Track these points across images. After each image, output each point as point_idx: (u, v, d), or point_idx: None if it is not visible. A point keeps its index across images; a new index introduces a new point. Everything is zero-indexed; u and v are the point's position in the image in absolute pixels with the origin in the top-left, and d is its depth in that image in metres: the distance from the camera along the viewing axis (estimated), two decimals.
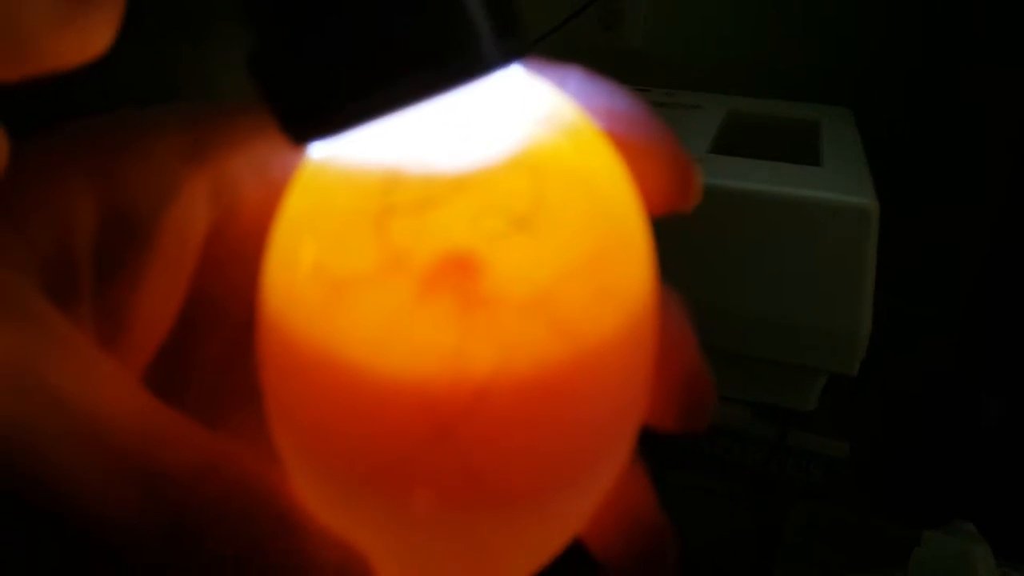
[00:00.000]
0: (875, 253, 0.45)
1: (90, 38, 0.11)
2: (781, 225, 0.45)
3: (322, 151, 0.12)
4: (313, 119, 0.11)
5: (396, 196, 0.11)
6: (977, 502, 0.49)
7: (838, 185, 0.46)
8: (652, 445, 0.15)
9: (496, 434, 0.11)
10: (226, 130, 0.13)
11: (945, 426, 0.52)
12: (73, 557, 0.12)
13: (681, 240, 0.44)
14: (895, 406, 0.52)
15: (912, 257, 0.55)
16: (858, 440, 0.50)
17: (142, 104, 0.14)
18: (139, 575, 0.11)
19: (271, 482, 0.12)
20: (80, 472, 0.11)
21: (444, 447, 0.11)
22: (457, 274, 0.11)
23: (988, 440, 0.51)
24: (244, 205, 0.14)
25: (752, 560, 0.46)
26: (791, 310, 0.46)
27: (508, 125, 0.11)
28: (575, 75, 0.14)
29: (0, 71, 0.10)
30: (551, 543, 0.13)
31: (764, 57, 0.62)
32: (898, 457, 0.52)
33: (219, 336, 0.15)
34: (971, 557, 0.45)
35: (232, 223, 0.14)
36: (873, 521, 0.48)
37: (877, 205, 0.44)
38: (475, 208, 0.11)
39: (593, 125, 0.13)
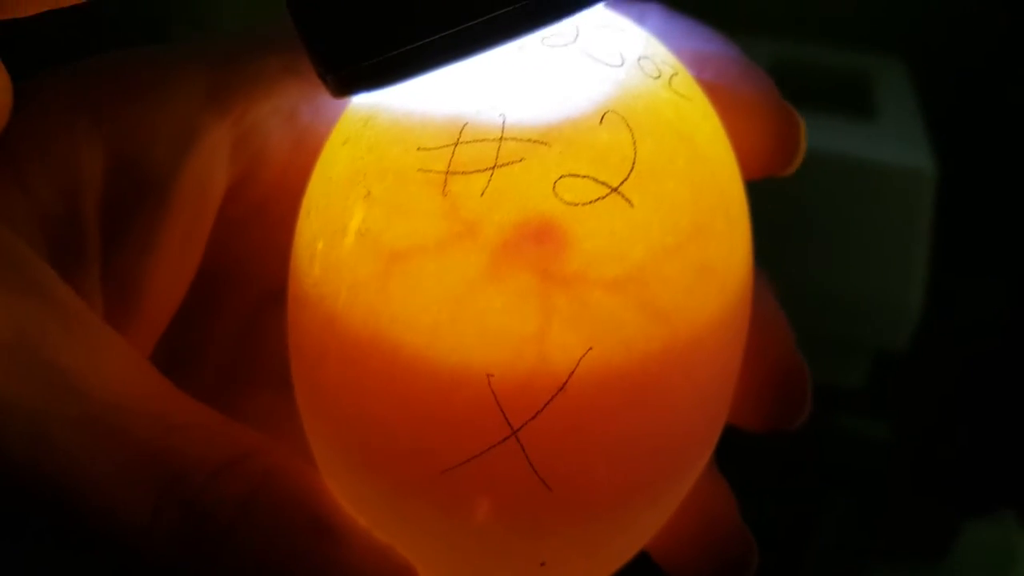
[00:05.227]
0: (931, 220, 0.44)
1: None
2: (828, 187, 0.44)
3: (371, 98, 0.11)
4: (361, 65, 0.10)
5: (463, 153, 0.10)
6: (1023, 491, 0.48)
7: (891, 144, 0.44)
8: None
9: (574, 435, 0.10)
10: (250, 71, 0.12)
11: (994, 411, 0.52)
12: (79, 558, 0.11)
13: None
14: (943, 387, 0.51)
15: (970, 227, 0.54)
16: (902, 423, 0.50)
17: (129, 40, 0.13)
18: None
19: (307, 480, 0.11)
20: (89, 463, 0.10)
21: (512, 450, 0.10)
22: (536, 246, 0.09)
23: None
24: (269, 159, 0.13)
25: (783, 550, 0.46)
26: (836, 279, 0.45)
27: (594, 71, 0.10)
28: (655, 12, 0.13)
29: None
30: (621, 557, 0.12)
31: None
32: (943, 442, 0.51)
33: (235, 311, 0.14)
34: (1014, 550, 0.45)
35: (255, 180, 0.13)
36: (914, 508, 0.48)
37: (934, 167, 0.43)
38: (557, 168, 0.10)
39: (687, 72, 0.12)
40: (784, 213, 0.44)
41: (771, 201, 0.46)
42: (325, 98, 0.12)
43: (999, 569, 0.44)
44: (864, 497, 0.48)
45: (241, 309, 0.14)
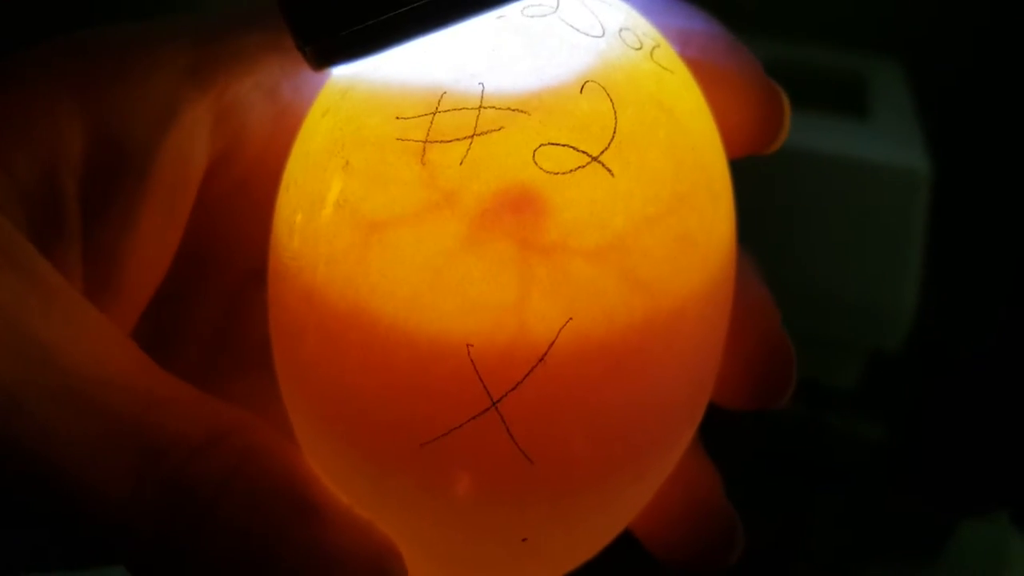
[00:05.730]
0: (925, 220, 0.44)
1: None
2: (823, 186, 0.44)
3: (350, 69, 0.11)
4: (339, 35, 0.10)
5: (442, 122, 0.10)
6: (1019, 492, 0.48)
7: (886, 144, 0.45)
8: None
9: (555, 406, 0.10)
10: (232, 47, 0.12)
11: (987, 411, 0.52)
12: (59, 530, 0.11)
13: None
14: (937, 387, 0.51)
15: (964, 227, 0.54)
16: (896, 423, 0.50)
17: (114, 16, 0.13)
18: (131, 558, 0.10)
19: (289, 457, 0.11)
20: (68, 436, 0.10)
21: (492, 422, 0.10)
22: (515, 215, 0.09)
23: None
24: (251, 135, 0.12)
25: (775, 547, 0.45)
26: (830, 279, 0.45)
27: (575, 41, 0.10)
28: None
29: None
30: (605, 535, 0.12)
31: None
32: (937, 442, 0.51)
33: (219, 290, 0.14)
34: (1007, 551, 0.45)
35: (236, 156, 0.13)
36: (907, 508, 0.47)
37: (928, 168, 0.43)
38: (536, 136, 0.10)
39: (668, 45, 0.12)
40: (779, 212, 0.44)
41: (766, 200, 0.46)
42: (307, 74, 0.12)
43: (993, 570, 0.44)
44: (857, 497, 0.48)
45: (224, 288, 0.14)
